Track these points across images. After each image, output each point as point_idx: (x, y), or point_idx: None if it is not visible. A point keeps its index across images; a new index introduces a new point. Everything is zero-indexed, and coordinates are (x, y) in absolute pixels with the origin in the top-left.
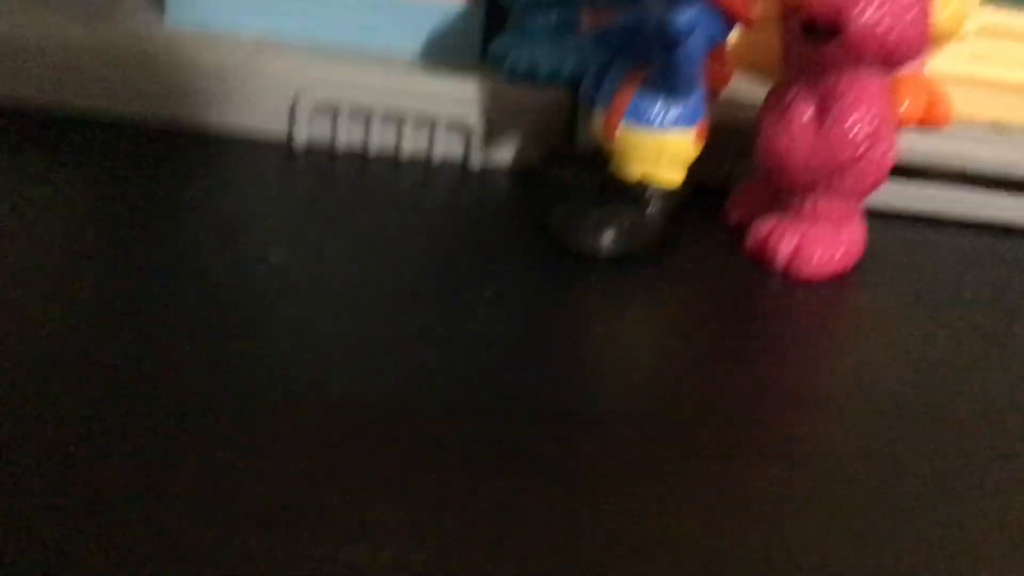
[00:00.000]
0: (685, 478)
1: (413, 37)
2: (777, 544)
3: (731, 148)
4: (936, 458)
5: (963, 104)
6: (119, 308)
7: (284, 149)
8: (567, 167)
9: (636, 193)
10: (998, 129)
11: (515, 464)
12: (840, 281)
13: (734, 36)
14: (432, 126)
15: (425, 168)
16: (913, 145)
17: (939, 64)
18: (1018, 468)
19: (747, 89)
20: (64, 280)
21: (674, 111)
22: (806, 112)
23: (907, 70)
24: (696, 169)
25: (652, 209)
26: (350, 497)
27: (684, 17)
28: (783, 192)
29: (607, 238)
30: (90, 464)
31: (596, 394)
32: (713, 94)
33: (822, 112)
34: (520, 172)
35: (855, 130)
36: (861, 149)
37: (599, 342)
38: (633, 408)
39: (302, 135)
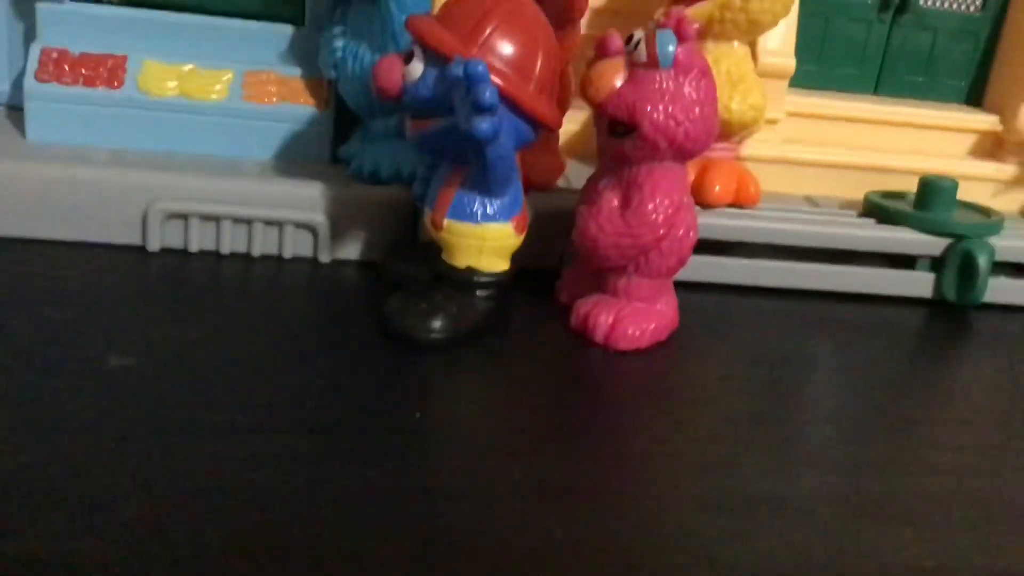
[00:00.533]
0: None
1: (266, 144)
2: None
3: (564, 232)
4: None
5: (778, 183)
6: None
7: (138, 253)
8: (406, 260)
9: (464, 282)
10: (811, 202)
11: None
12: (657, 349)
13: (569, 128)
14: (281, 227)
15: (277, 263)
16: (725, 222)
17: (755, 148)
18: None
19: (583, 177)
20: None
21: (492, 206)
22: (613, 200)
23: (719, 155)
24: (529, 253)
25: (479, 296)
26: None
27: (485, 125)
28: (600, 273)
29: (436, 325)
30: None
31: (425, 472)
32: (546, 184)
33: (627, 200)
34: (368, 264)
35: (654, 215)
36: (661, 231)
37: (427, 423)
38: (462, 485)
39: (154, 243)
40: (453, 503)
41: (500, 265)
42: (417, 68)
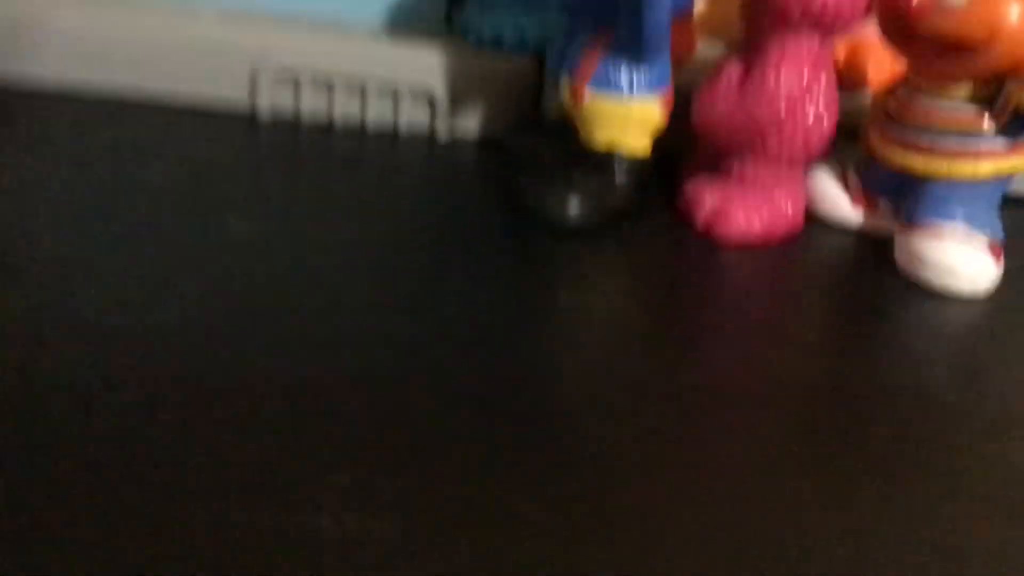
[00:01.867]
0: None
1: (375, 4)
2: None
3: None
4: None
5: None
6: (84, 277)
7: (247, 120)
8: (534, 136)
9: (603, 161)
10: None
11: (483, 441)
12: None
13: (701, 3)
14: (396, 95)
15: (392, 140)
16: None
17: None
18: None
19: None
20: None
21: (640, 78)
22: (735, 74)
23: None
24: (667, 134)
25: (619, 177)
26: (316, 468)
27: None
28: (719, 155)
29: (574, 208)
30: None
31: (561, 378)
32: (679, 62)
33: (748, 74)
34: (486, 141)
35: (774, 92)
36: (782, 111)
37: (567, 320)
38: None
39: (265, 105)
40: (573, 402)
41: (643, 144)
42: None
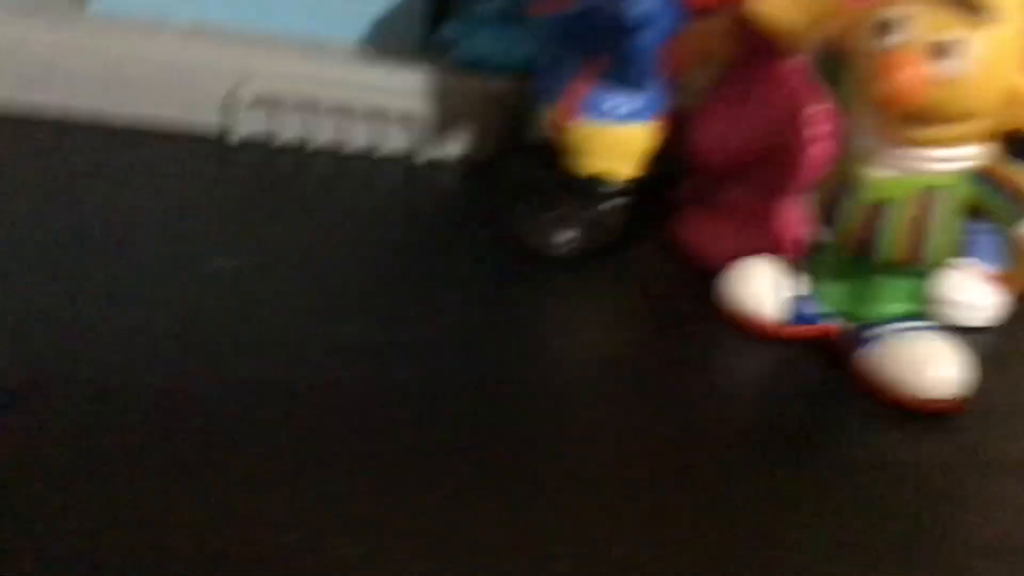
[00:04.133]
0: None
1: (354, 23)
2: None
3: None
4: None
5: None
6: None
7: (219, 144)
8: (520, 162)
9: (591, 189)
10: None
11: (469, 464)
12: None
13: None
14: (376, 119)
15: (371, 162)
16: None
17: None
18: None
19: None
20: None
21: (630, 104)
22: (730, 96)
23: None
24: (662, 158)
25: (609, 206)
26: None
27: (640, 8)
28: (711, 180)
29: (563, 237)
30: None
31: (542, 405)
32: (675, 80)
33: (742, 95)
34: (469, 166)
35: (765, 115)
36: (774, 136)
37: (556, 347)
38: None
39: (239, 128)
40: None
41: (633, 171)
42: None
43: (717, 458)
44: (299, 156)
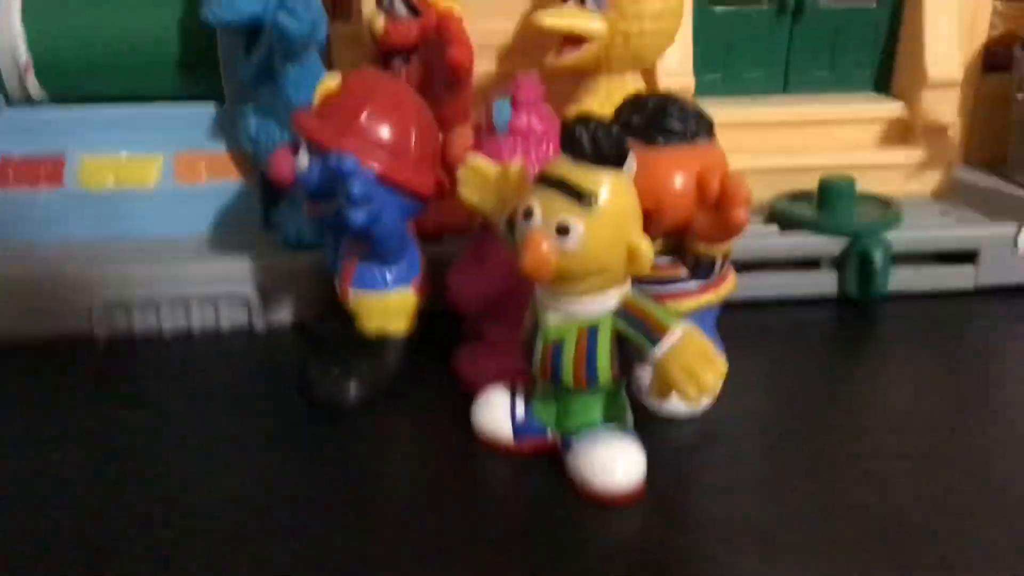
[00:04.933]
0: None
1: (200, 219)
2: None
3: None
4: None
5: None
6: None
7: (85, 343)
8: (328, 323)
9: (375, 345)
10: None
11: None
12: None
13: None
14: (216, 302)
15: (216, 336)
16: None
17: None
18: None
19: None
20: None
21: (391, 274)
22: (474, 250)
23: None
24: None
25: (389, 356)
26: None
27: (360, 215)
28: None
29: (351, 388)
30: None
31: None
32: (462, 227)
33: (480, 251)
34: (298, 328)
35: (498, 267)
36: (509, 282)
37: (334, 496)
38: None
39: (101, 331)
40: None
41: (406, 324)
42: (304, 159)
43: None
44: (153, 342)
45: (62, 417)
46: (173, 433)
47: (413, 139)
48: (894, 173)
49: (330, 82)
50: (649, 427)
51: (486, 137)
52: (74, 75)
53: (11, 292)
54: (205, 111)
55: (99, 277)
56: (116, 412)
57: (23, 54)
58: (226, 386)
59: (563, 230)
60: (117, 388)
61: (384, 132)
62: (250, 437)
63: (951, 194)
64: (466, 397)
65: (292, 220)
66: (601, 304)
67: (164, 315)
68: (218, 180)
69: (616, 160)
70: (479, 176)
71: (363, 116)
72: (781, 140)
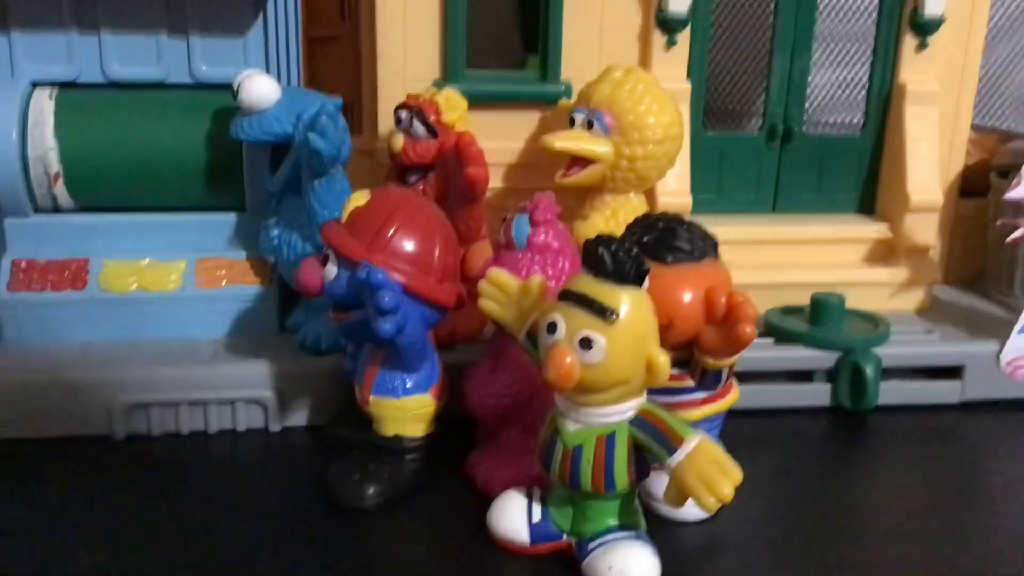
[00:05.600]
0: None
1: (219, 323)
2: None
3: None
4: None
5: None
6: None
7: (106, 442)
8: (347, 423)
9: (392, 449)
10: None
11: None
12: None
13: None
14: (233, 405)
15: (232, 436)
16: None
17: None
18: None
19: None
20: None
21: (411, 380)
22: (488, 361)
23: None
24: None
25: (407, 460)
26: None
27: (388, 326)
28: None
29: (370, 491)
30: None
31: None
32: (473, 337)
33: (496, 362)
34: (315, 429)
35: (512, 378)
36: (523, 391)
37: None
38: None
39: (120, 433)
40: None
41: (424, 429)
42: (332, 270)
43: None
44: (172, 442)
45: (78, 513)
46: (190, 531)
47: (437, 254)
48: (879, 290)
49: (359, 199)
50: (659, 531)
51: (505, 252)
52: (101, 185)
53: (33, 392)
54: (226, 219)
55: (119, 379)
56: (132, 509)
57: (54, 164)
58: (243, 486)
59: (586, 343)
60: (134, 485)
61: (410, 247)
62: (269, 536)
63: (933, 311)
64: (481, 501)
65: (310, 326)
66: (619, 413)
67: (182, 417)
68: (237, 285)
69: (636, 278)
70: (500, 289)
71: (390, 232)
72: (771, 257)
